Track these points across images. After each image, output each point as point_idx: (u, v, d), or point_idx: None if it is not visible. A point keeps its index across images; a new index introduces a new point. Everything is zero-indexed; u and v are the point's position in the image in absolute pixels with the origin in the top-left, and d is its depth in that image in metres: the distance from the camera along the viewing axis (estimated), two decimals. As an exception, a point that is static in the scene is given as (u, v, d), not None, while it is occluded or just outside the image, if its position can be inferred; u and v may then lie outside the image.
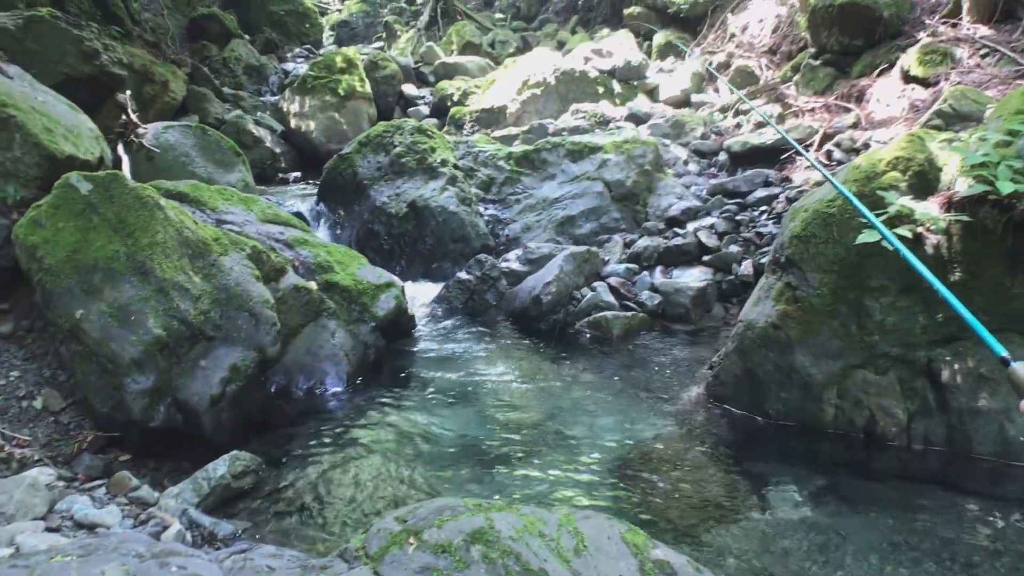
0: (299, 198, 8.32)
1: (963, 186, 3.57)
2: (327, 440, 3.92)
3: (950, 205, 3.61)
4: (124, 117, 7.09)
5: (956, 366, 3.66)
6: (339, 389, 4.57)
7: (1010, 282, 3.52)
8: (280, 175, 10.80)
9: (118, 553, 2.38)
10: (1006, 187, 3.29)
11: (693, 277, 6.11)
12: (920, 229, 3.61)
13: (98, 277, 3.82)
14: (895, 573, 2.93)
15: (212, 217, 5.07)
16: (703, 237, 6.53)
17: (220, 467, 3.47)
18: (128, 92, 7.86)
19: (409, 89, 14.09)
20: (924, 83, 8.53)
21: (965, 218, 3.52)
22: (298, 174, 10.84)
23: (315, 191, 8.13)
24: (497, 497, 3.33)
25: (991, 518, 3.23)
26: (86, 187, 4.02)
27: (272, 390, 4.43)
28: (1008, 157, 3.50)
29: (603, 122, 11.11)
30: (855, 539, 3.20)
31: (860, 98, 9.10)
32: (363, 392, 4.62)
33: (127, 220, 4.00)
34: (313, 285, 4.80)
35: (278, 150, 11.00)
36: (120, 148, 6.53)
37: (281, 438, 4.01)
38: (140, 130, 7.04)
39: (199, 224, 4.42)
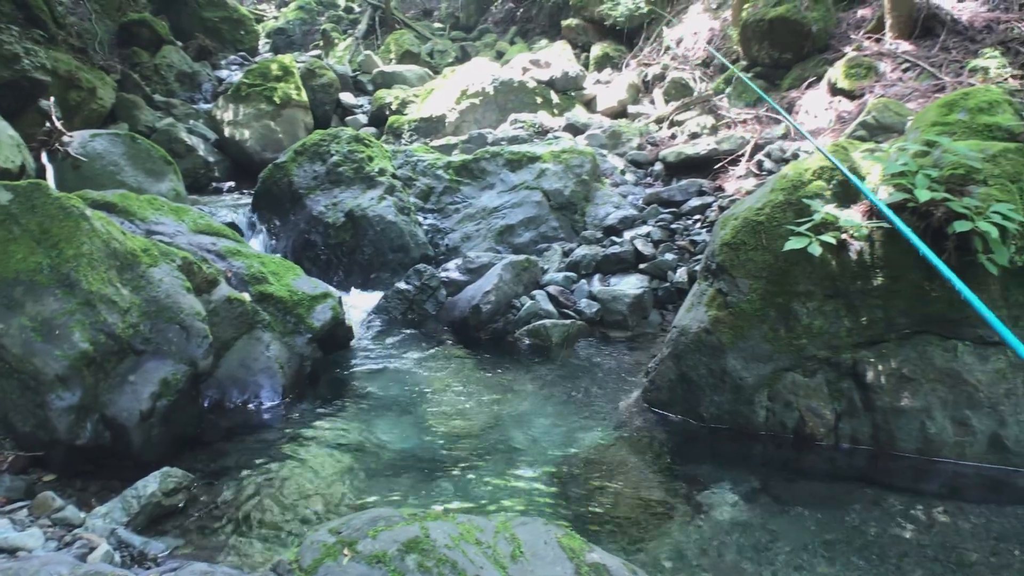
0: (233, 208, 8.15)
1: (884, 194, 3.73)
2: (262, 454, 3.85)
3: (872, 213, 3.77)
4: (48, 124, 6.84)
5: (880, 367, 3.81)
6: (274, 402, 4.49)
7: (928, 286, 3.69)
8: (214, 184, 10.57)
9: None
10: (923, 195, 3.46)
11: (630, 285, 6.21)
12: (844, 236, 3.75)
13: (19, 291, 3.67)
14: (826, 570, 3.02)
15: (142, 228, 4.93)
16: (639, 245, 6.65)
17: (150, 484, 3.36)
18: (52, 98, 7.58)
19: (347, 98, 13.96)
20: (850, 95, 8.89)
21: (886, 225, 3.67)
22: (232, 184, 10.62)
23: (250, 201, 7.97)
24: (436, 506, 3.31)
25: (914, 512, 3.37)
26: (6, 196, 3.86)
27: (205, 404, 4.32)
28: (925, 167, 3.67)
29: (541, 132, 11.22)
30: (787, 537, 3.29)
31: (789, 109, 9.42)
32: (299, 405, 4.55)
33: (51, 231, 3.86)
34: (246, 297, 4.71)
35: (211, 159, 10.77)
36: (43, 156, 6.29)
37: (215, 453, 3.91)
38: (65, 138, 6.79)
39: (128, 235, 4.29)
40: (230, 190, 10.42)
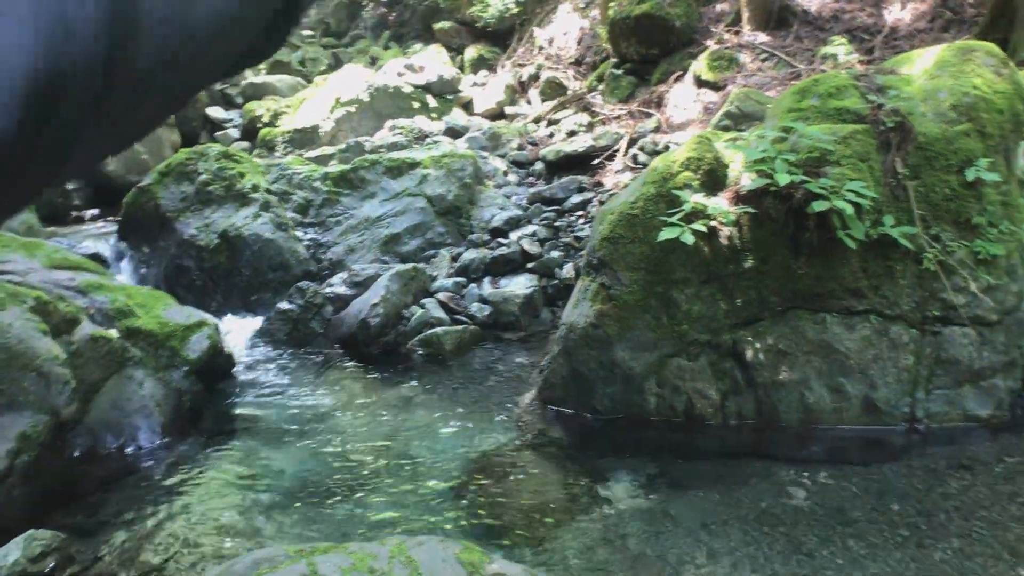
0: (96, 238, 7.62)
1: (747, 180, 3.88)
2: (142, 501, 3.60)
3: (738, 199, 3.91)
4: None
5: (757, 345, 3.96)
6: (153, 444, 4.21)
7: (795, 264, 3.86)
8: (74, 214, 9.88)
9: None
10: (783, 179, 3.62)
11: (520, 285, 6.23)
12: (714, 223, 3.88)
13: None
14: (725, 545, 3.11)
15: (-13, 268, 4.52)
16: (526, 245, 6.68)
17: (13, 552, 3.07)
18: None
19: (216, 112, 13.39)
20: (715, 87, 9.26)
21: (751, 210, 3.82)
22: (96, 211, 9.96)
23: (115, 229, 7.49)
24: (333, 535, 3.19)
25: (802, 480, 3.52)
26: None
27: (75, 455, 3.99)
28: (784, 152, 3.85)
29: (421, 137, 11.11)
30: (686, 519, 3.37)
31: (660, 103, 9.73)
32: (181, 443, 4.29)
33: None
34: (113, 333, 4.40)
35: (70, 186, 10.06)
36: None
37: (88, 507, 3.62)
38: None
39: (-33, 278, 3.93)
40: (93, 219, 9.78)
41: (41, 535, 3.16)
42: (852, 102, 4.19)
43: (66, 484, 3.79)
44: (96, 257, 6.59)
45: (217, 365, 4.94)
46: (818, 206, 3.51)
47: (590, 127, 9.94)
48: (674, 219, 3.79)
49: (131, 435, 4.20)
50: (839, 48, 8.67)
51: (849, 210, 3.48)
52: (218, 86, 14.53)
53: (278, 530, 3.31)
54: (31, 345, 3.79)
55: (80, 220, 9.75)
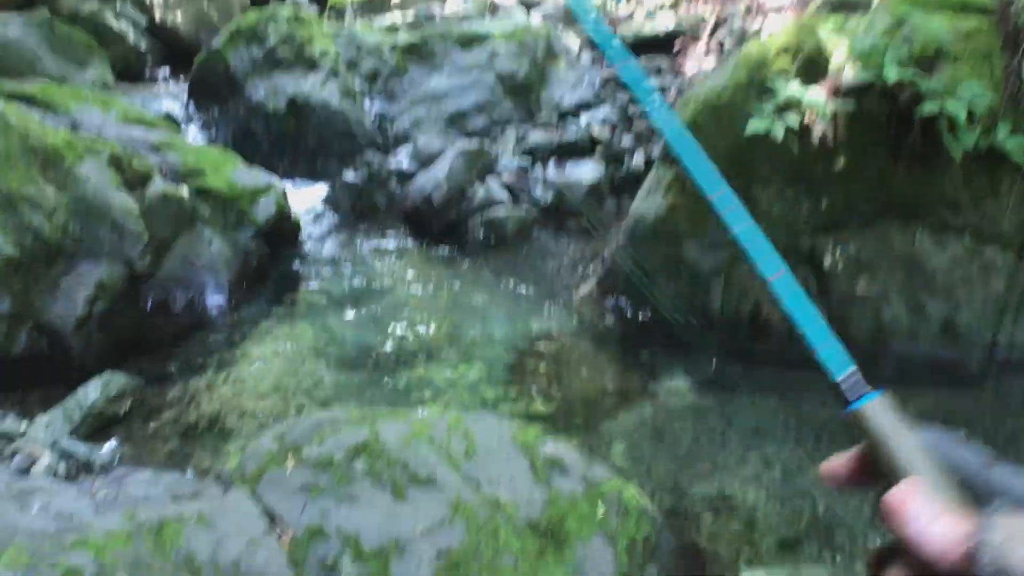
0: (168, 97, 7.64)
1: (850, 73, 3.57)
2: (209, 355, 3.73)
3: (837, 92, 3.62)
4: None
5: (838, 253, 3.78)
6: (221, 301, 4.32)
7: (891, 170, 3.61)
8: (147, 72, 9.89)
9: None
10: (892, 74, 3.31)
11: (586, 171, 6.05)
12: (807, 118, 3.61)
13: (-73, 193, 3.39)
14: (778, 453, 3.08)
15: (65, 120, 4.57)
16: (596, 130, 6.45)
17: (93, 391, 3.24)
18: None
19: (286, -27, 13.01)
20: (813, -31, 8.53)
21: (851, 106, 3.54)
22: (167, 71, 9.95)
23: (186, 89, 7.49)
24: (388, 404, 3.26)
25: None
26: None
27: (148, 307, 4.13)
28: (895, 44, 3.50)
29: (492, 9, 10.64)
30: (739, 422, 3.34)
31: (751, -15, 9.04)
32: (246, 303, 4.39)
33: (-42, 126, 3.53)
34: (184, 191, 4.44)
35: (143, 45, 10.02)
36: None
37: (159, 357, 3.78)
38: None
39: (49, 129, 3.97)
40: (165, 78, 9.78)
41: (117, 378, 3.32)
42: (977, -8, 3.77)
43: (139, 334, 3.94)
44: (167, 116, 6.62)
45: (283, 230, 4.98)
46: (928, 108, 3.22)
47: (673, 7, 9.35)
48: (765, 111, 3.54)
49: (199, 292, 4.31)
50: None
51: (961, 115, 3.18)
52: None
53: (336, 394, 3.40)
54: (107, 197, 3.86)
55: (152, 79, 9.76)
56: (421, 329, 4.04)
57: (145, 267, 3.97)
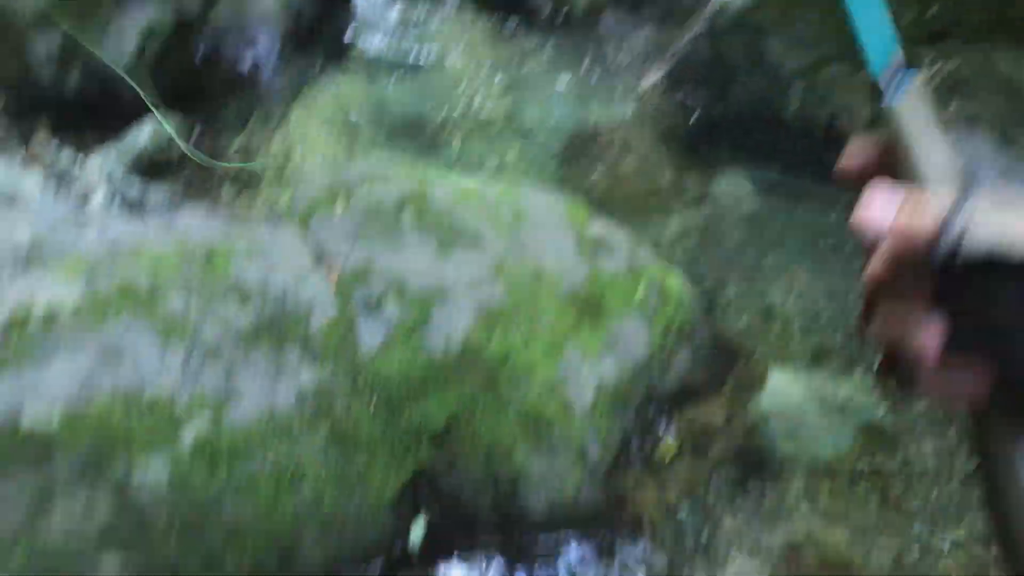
0: None
1: None
2: (260, 107, 3.69)
3: None
4: None
5: (935, 66, 3.46)
6: (271, 56, 4.19)
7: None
8: None
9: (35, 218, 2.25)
10: None
11: (670, -46, 5.52)
12: None
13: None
14: (826, 267, 3.01)
15: None
16: (687, -93, 5.79)
17: (143, 135, 3.25)
18: None
19: None
20: None
21: None
22: None
23: None
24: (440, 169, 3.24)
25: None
26: None
27: (198, 57, 4.03)
28: None
29: None
30: (795, 233, 3.25)
31: None
32: (297, 59, 4.25)
33: None
34: (236, -68, 4.17)
35: None
36: None
37: (211, 105, 3.74)
38: None
39: None
40: None
41: (169, 122, 3.30)
42: None
43: (191, 83, 3.88)
44: None
45: (336, -13, 4.72)
46: None
47: None
48: None
49: (250, 43, 4.17)
50: None
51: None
52: None
53: (387, 155, 3.37)
54: (155, -72, 3.64)
55: None
56: (475, 103, 3.91)
57: (195, 11, 3.84)
